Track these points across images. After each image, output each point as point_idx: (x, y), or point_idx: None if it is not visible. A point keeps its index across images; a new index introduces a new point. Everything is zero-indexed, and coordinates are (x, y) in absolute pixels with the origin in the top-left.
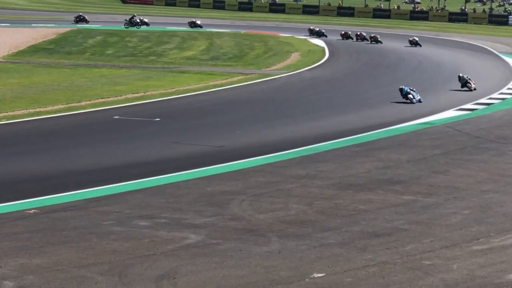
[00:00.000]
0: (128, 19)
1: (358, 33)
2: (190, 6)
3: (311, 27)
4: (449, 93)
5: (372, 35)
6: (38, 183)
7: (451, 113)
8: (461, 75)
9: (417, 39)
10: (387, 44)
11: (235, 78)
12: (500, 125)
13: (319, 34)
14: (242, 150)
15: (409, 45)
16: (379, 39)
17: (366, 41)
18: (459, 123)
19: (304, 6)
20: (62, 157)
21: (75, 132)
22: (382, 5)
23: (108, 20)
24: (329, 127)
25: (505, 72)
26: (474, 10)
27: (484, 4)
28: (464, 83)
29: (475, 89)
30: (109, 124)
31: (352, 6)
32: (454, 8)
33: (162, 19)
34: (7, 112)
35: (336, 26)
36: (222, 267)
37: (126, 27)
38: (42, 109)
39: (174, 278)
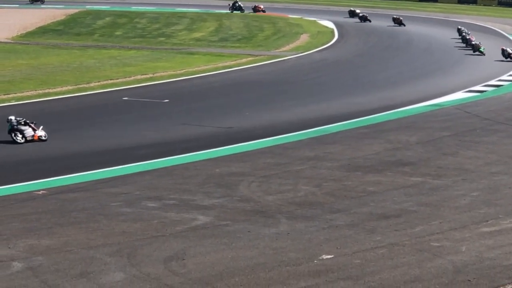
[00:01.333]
0: (231, 5)
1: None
2: None
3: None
4: (459, 75)
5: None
6: (46, 164)
7: (460, 95)
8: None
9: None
10: (396, 25)
11: (244, 60)
12: (510, 107)
13: (363, 19)
14: (251, 132)
15: (393, 24)
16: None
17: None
18: (468, 105)
19: None
20: (70, 138)
21: (83, 113)
22: None
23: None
24: (337, 109)
25: None
26: None
27: None
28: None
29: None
30: (118, 105)
31: None
32: None
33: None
34: (16, 93)
35: (342, 7)
36: (231, 248)
37: (231, 12)
38: (51, 90)
39: (183, 259)
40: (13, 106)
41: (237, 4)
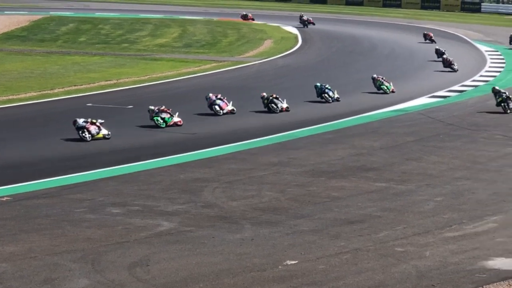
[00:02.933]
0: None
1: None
2: None
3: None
4: (422, 80)
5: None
6: (10, 171)
7: (424, 100)
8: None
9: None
10: (360, 31)
11: (208, 66)
12: (473, 112)
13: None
14: (215, 138)
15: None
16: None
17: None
18: (432, 110)
19: None
20: (35, 144)
21: (48, 119)
22: None
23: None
24: (302, 114)
25: (477, 59)
26: None
27: None
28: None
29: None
30: (82, 112)
31: None
32: None
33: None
34: None
35: (312, 14)
36: (195, 254)
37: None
38: (15, 97)
39: (147, 265)
40: None
41: (303, 19)
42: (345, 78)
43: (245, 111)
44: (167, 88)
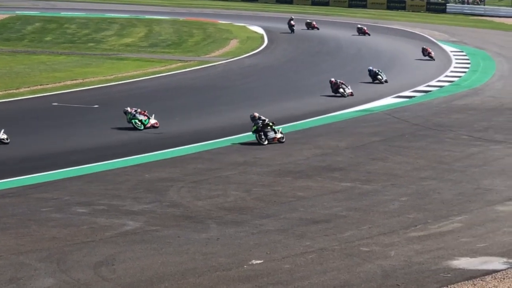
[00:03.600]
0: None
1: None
2: None
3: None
4: (388, 80)
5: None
6: None
7: (389, 100)
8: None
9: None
10: (326, 31)
11: (174, 65)
12: (438, 112)
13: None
14: (181, 137)
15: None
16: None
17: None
18: (398, 110)
19: None
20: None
21: (13, 119)
22: None
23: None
24: (268, 114)
25: (442, 59)
26: None
27: None
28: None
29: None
30: (48, 111)
31: None
32: None
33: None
34: None
35: (278, 13)
36: (161, 253)
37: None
38: None
39: (113, 264)
40: None
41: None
42: (311, 78)
43: (211, 110)
44: (133, 87)
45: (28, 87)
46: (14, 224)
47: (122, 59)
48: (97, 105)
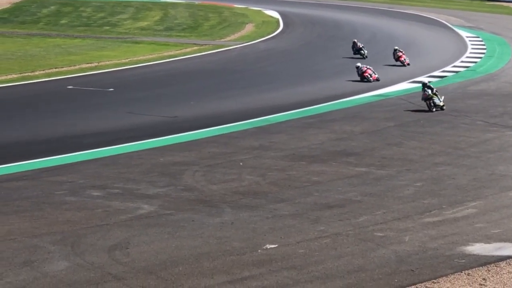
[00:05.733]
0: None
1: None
2: None
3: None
4: (403, 65)
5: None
6: None
7: (405, 86)
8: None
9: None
10: (341, 16)
11: (189, 49)
12: (453, 98)
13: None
14: (196, 121)
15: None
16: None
17: None
18: (413, 96)
19: None
20: (15, 126)
21: (28, 101)
22: None
23: None
24: (283, 99)
25: (458, 45)
26: None
27: None
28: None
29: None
30: (63, 94)
31: None
32: None
33: None
34: None
35: None
36: (175, 237)
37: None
38: None
39: (127, 248)
40: None
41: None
42: (326, 62)
43: (226, 94)
44: (148, 71)
45: (43, 70)
46: (28, 207)
47: (137, 42)
48: (112, 88)
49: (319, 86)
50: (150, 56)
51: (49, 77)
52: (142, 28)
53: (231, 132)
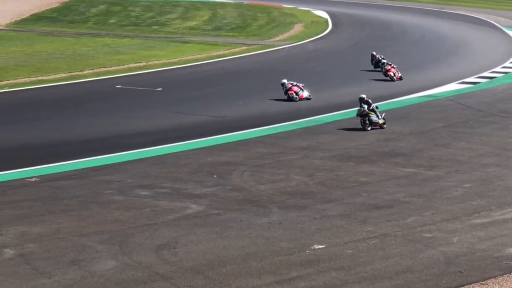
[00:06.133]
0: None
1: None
2: None
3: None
4: (452, 66)
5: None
6: (39, 151)
7: (454, 86)
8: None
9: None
10: (390, 16)
11: (238, 49)
12: (503, 98)
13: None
14: (244, 121)
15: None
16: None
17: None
18: (462, 96)
19: None
20: (63, 125)
21: (77, 101)
22: None
23: None
24: (330, 99)
25: (507, 46)
26: None
27: None
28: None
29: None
30: (111, 93)
31: None
32: None
33: None
34: (9, 80)
35: None
36: (223, 237)
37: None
38: (44, 78)
39: (175, 247)
40: (6, 94)
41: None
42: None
43: (274, 94)
44: (196, 71)
45: (92, 69)
46: (77, 206)
47: (186, 42)
48: (160, 88)
49: (367, 86)
50: (199, 56)
51: (98, 77)
52: (191, 28)
53: (278, 133)
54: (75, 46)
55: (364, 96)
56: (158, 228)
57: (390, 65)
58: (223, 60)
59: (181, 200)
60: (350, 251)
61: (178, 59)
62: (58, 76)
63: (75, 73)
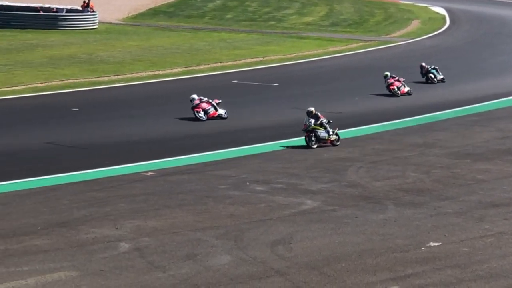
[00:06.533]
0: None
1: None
2: None
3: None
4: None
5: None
6: (155, 145)
7: None
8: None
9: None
10: (509, 13)
11: (354, 45)
12: None
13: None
14: (360, 117)
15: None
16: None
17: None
18: None
19: None
20: (180, 120)
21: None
22: None
23: None
24: (447, 96)
25: None
26: None
27: None
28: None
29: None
30: (227, 88)
31: None
32: None
33: None
34: (126, 74)
35: None
36: (338, 233)
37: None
38: (160, 72)
39: (290, 243)
40: (122, 88)
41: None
42: (491, 60)
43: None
44: (312, 66)
45: (208, 64)
46: (192, 201)
47: (302, 38)
48: (276, 83)
49: (485, 83)
50: (315, 52)
51: (214, 71)
52: (308, 24)
53: (395, 129)
54: (191, 40)
55: (312, 109)
56: (273, 223)
57: (394, 78)
58: (340, 56)
59: (296, 195)
60: (466, 249)
61: (294, 54)
62: (174, 70)
63: (191, 68)
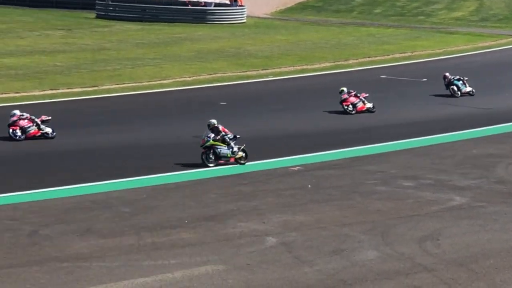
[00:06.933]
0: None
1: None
2: None
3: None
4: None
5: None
6: (302, 140)
7: None
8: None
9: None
10: None
11: (505, 40)
12: None
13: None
14: (511, 113)
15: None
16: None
17: None
18: None
19: None
20: (328, 114)
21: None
22: None
23: None
24: None
25: None
26: None
27: None
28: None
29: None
30: (375, 83)
31: None
32: None
33: None
34: (274, 68)
35: None
36: (486, 230)
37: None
38: (308, 67)
39: (438, 239)
40: (270, 82)
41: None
42: None
43: None
44: (461, 62)
45: (356, 59)
46: (338, 196)
47: (451, 33)
48: (425, 79)
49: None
50: (464, 47)
51: (362, 66)
52: (457, 19)
53: None
54: (339, 35)
55: (213, 121)
56: (421, 219)
57: (350, 93)
58: (490, 51)
59: (444, 191)
60: None
61: (443, 50)
62: (322, 65)
63: (339, 63)
